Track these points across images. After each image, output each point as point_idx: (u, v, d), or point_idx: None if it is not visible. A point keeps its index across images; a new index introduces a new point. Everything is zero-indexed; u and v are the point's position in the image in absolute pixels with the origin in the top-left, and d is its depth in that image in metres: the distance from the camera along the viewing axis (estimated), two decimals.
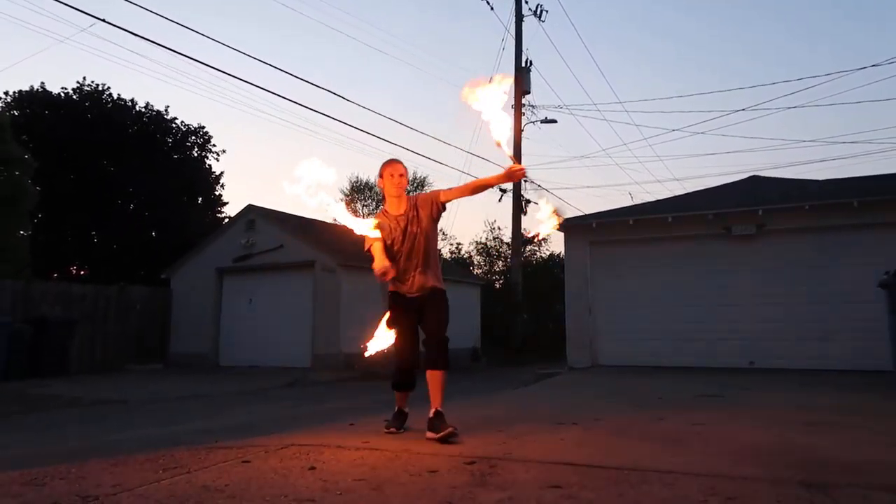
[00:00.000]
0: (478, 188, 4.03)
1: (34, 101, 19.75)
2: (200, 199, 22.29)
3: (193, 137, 22.32)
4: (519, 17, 18.95)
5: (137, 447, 4.10)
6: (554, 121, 19.44)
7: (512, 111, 18.22)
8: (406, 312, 3.87)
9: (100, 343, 14.00)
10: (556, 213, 3.85)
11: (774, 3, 55.63)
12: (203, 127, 22.55)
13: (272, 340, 14.16)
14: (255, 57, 29.89)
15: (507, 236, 19.78)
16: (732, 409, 5.21)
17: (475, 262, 26.38)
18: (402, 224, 3.89)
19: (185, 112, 35.83)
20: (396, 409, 4.06)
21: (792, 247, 10.10)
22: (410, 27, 57.82)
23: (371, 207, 33.74)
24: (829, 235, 9.87)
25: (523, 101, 18.65)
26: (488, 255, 26.17)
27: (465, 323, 18.13)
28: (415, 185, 33.36)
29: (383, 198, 4.04)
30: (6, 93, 20.04)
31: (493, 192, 19.71)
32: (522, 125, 18.55)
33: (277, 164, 54.10)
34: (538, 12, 19.15)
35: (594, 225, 11.21)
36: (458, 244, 30.26)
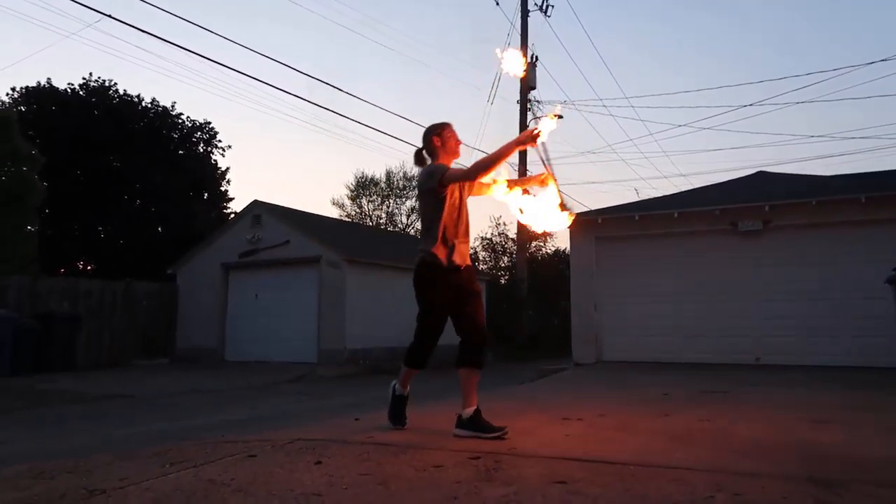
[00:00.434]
0: (493, 163, 3.98)
1: (41, 97, 19.81)
2: (206, 194, 22.33)
3: (199, 133, 22.35)
4: (525, 12, 18.89)
5: (144, 441, 4.12)
6: (560, 116, 19.30)
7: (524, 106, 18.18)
8: (448, 290, 3.67)
9: (106, 338, 14.05)
10: (563, 206, 3.82)
11: None
12: (209, 122, 22.61)
13: (278, 336, 14.19)
14: (261, 52, 29.92)
15: (512, 232, 19.76)
16: (738, 405, 5.20)
17: (480, 258, 26.37)
18: (456, 192, 3.70)
19: (191, 107, 35.97)
20: (398, 394, 3.86)
21: (799, 242, 10.06)
22: (415, 22, 57.73)
23: (377, 203, 33.80)
24: (836, 231, 9.82)
25: (529, 96, 18.60)
26: (493, 250, 26.14)
27: None
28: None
29: (432, 156, 3.79)
30: (13, 89, 20.15)
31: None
32: (528, 121, 18.51)
33: (283, 160, 54.16)
34: (544, 7, 19.09)
35: (600, 220, 11.18)
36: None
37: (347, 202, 33.97)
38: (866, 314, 9.11)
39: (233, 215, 20.75)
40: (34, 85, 20.02)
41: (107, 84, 20.66)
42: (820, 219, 9.81)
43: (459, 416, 3.56)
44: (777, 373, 8.61)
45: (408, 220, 33.52)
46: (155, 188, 19.75)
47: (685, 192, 13.41)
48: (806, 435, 3.61)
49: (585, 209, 12.42)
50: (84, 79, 20.60)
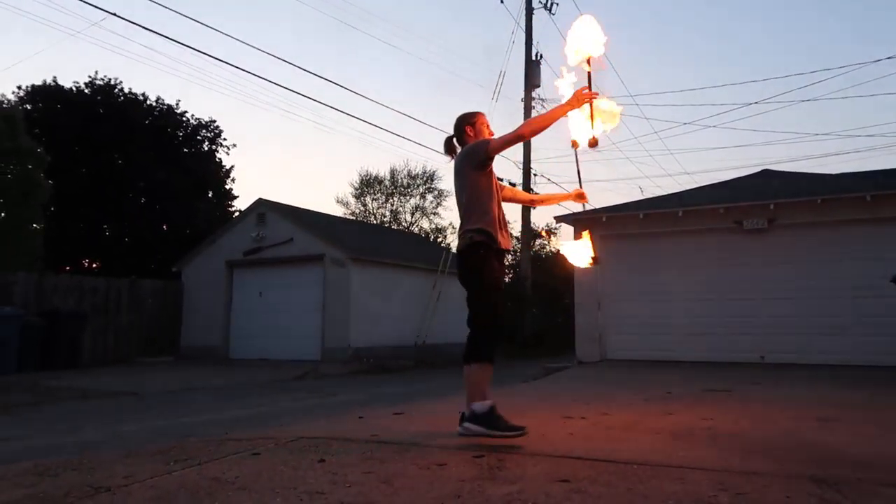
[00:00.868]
0: (537, 200, 4.03)
1: (46, 96, 19.85)
2: (211, 192, 22.37)
3: (204, 131, 22.39)
4: (529, 10, 18.86)
5: (149, 439, 4.14)
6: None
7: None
8: (502, 269, 3.58)
9: (111, 335, 14.10)
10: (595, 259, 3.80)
11: None
12: (214, 121, 22.63)
13: (282, 333, 14.23)
14: (265, 51, 29.97)
15: (516, 230, 19.74)
16: (742, 403, 5.19)
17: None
18: (495, 182, 3.66)
19: (196, 106, 36.00)
20: (487, 410, 3.25)
21: (804, 241, 10.03)
22: (419, 20, 57.71)
23: (381, 201, 33.80)
24: (841, 229, 9.79)
25: (533, 94, 18.57)
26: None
27: None
28: (425, 178, 33.39)
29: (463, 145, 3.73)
30: (19, 87, 20.18)
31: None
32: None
33: (288, 158, 54.22)
34: (548, 5, 19.05)
35: (604, 219, 11.17)
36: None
37: (352, 200, 34.00)
38: (872, 312, 9.08)
39: (237, 213, 20.78)
40: (40, 83, 20.07)
41: (112, 82, 20.71)
42: (825, 217, 9.78)
43: (462, 414, 3.47)
44: (782, 371, 8.59)
45: (412, 217, 33.53)
46: (160, 186, 19.79)
47: (690, 190, 13.37)
48: (810, 434, 3.61)
49: (590, 207, 12.40)
50: (90, 77, 20.65)
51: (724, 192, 11.62)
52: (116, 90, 20.68)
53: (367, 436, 3.46)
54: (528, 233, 18.99)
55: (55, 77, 20.50)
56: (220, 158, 22.78)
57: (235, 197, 23.27)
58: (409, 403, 5.72)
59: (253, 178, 46.79)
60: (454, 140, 3.80)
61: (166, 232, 20.34)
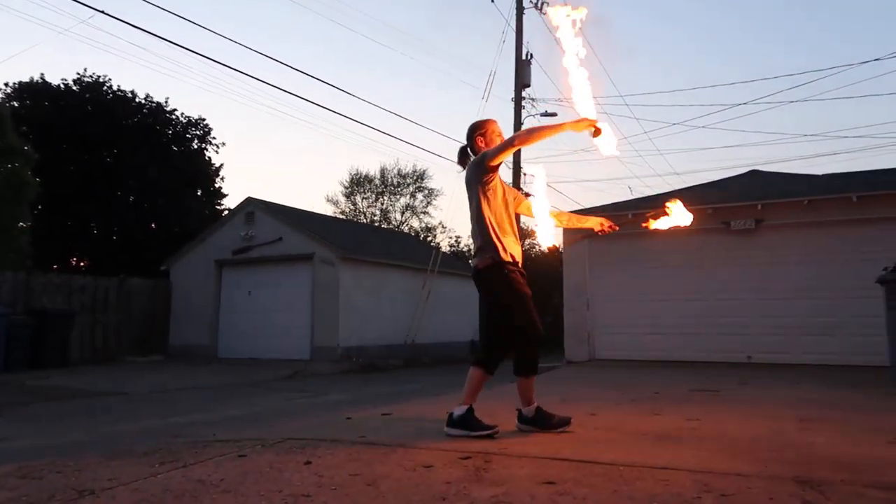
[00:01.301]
0: (563, 219, 4.02)
1: (34, 93, 19.69)
2: (200, 191, 22.27)
3: (193, 129, 22.28)
4: (520, 10, 18.85)
5: (136, 440, 4.12)
6: (554, 114, 19.35)
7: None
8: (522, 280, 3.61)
9: (100, 334, 14.02)
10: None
11: None
12: (203, 119, 22.53)
13: (271, 333, 14.20)
14: (254, 49, 29.85)
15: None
16: (728, 404, 5.22)
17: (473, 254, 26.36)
18: (501, 192, 3.65)
19: (185, 104, 35.80)
20: (536, 406, 3.62)
21: (791, 241, 10.10)
22: (409, 19, 57.65)
23: (371, 200, 33.75)
24: (828, 230, 9.86)
25: (523, 94, 18.59)
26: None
27: (463, 315, 18.18)
28: (415, 177, 33.38)
29: (475, 156, 3.72)
30: (6, 84, 19.99)
31: None
32: (522, 118, 18.50)
33: (278, 157, 54.04)
34: (539, 4, 19.05)
35: None
36: (458, 237, 30.39)
37: (342, 199, 33.97)
38: (858, 313, 9.15)
39: (226, 212, 20.70)
40: (27, 80, 19.90)
41: (100, 80, 20.57)
42: (812, 218, 9.85)
43: (519, 412, 3.68)
44: (769, 371, 8.65)
45: (402, 216, 33.53)
46: (149, 184, 19.68)
47: (678, 190, 13.42)
48: (795, 435, 3.63)
49: (579, 207, 12.44)
50: (78, 74, 20.51)
51: (712, 193, 11.68)
52: (105, 87, 20.54)
53: (355, 437, 3.46)
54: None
55: (42, 74, 20.39)
56: (209, 157, 22.71)
57: (225, 195, 23.20)
58: (398, 404, 5.73)
59: (242, 176, 46.69)
60: (468, 149, 3.79)
61: (155, 230, 20.24)
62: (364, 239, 17.73)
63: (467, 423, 3.47)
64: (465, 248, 27.36)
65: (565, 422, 3.64)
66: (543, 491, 2.32)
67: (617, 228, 3.95)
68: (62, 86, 20.05)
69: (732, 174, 13.94)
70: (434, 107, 55.43)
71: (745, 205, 10.24)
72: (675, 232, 11.12)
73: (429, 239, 30.79)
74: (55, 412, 6.96)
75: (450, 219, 44.96)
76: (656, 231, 11.45)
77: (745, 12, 55.80)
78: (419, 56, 54.88)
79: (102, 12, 8.99)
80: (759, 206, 10.08)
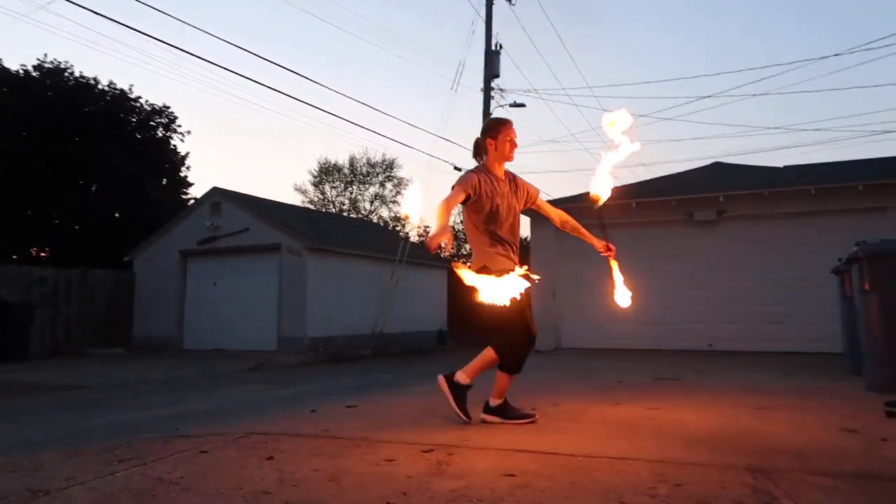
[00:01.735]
0: (568, 226, 4.15)
1: None
2: (165, 180, 21.88)
3: (158, 117, 21.85)
4: (490, 1, 18.83)
5: (96, 436, 4.06)
6: (523, 105, 19.41)
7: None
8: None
9: (61, 327, 13.75)
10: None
11: None
12: (168, 107, 22.10)
13: (237, 324, 14.07)
14: (219, 37, 29.34)
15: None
16: (688, 392, 5.33)
17: (442, 244, 26.35)
18: (504, 189, 3.67)
19: (149, 92, 34.96)
20: (504, 400, 3.74)
21: (752, 232, 10.33)
22: (378, 8, 57.11)
23: (340, 189, 33.53)
24: (787, 221, 10.11)
25: (493, 84, 18.60)
26: (456, 237, 26.22)
27: (431, 305, 18.22)
28: (385, 166, 33.23)
29: (484, 154, 3.75)
30: None
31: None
32: (491, 109, 18.52)
33: (245, 146, 53.31)
34: None
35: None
36: (427, 227, 30.34)
37: (310, 188, 33.69)
38: (815, 302, 9.40)
39: (192, 201, 20.38)
40: None
41: (62, 66, 20.02)
42: (772, 209, 10.08)
43: (486, 403, 3.76)
44: (728, 359, 8.85)
45: (371, 206, 33.39)
46: (112, 173, 19.26)
47: (644, 182, 13.61)
48: (750, 423, 3.73)
49: (547, 198, 12.52)
50: (38, 60, 19.94)
51: (676, 184, 11.87)
52: (67, 74, 20.00)
53: (319, 430, 3.46)
54: None
55: (0, 59, 19.71)
56: (174, 145, 22.33)
57: (191, 184, 22.86)
58: (364, 395, 5.74)
59: (209, 165, 45.95)
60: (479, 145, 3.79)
61: (118, 220, 19.85)
62: (332, 229, 17.63)
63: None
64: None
65: (528, 416, 3.72)
66: (503, 484, 2.36)
67: (613, 253, 4.09)
68: (21, 71, 19.47)
69: (697, 166, 14.16)
70: (403, 97, 55.16)
71: (708, 196, 10.44)
72: (640, 223, 11.33)
73: (397, 229, 30.73)
74: (14, 407, 6.80)
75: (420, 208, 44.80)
76: (621, 222, 11.60)
77: (710, 9, 56.50)
78: (388, 46, 54.51)
79: None
80: (721, 198, 10.28)
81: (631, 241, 11.01)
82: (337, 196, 33.50)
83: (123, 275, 15.58)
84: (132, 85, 21.83)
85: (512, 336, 3.63)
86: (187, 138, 29.51)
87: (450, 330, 18.70)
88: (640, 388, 5.63)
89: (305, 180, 42.85)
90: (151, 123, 21.73)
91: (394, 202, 33.46)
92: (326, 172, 33.45)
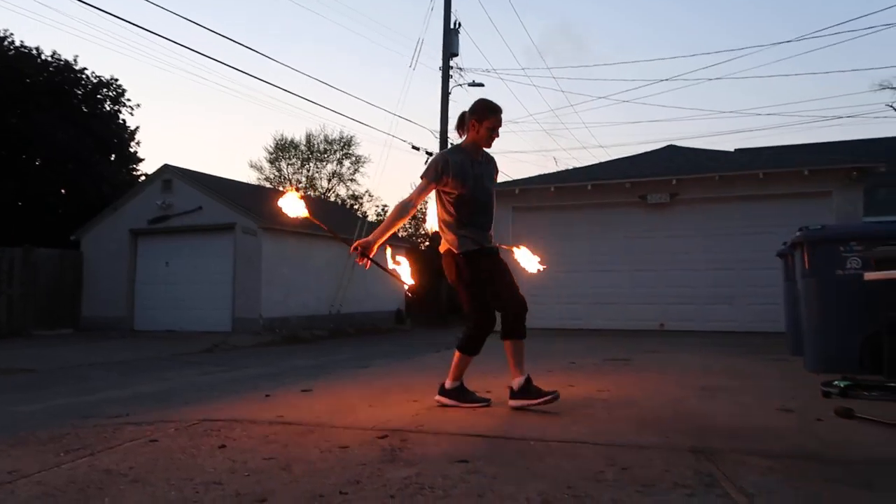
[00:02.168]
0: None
1: None
2: (114, 155, 21.21)
3: (106, 90, 21.10)
4: None
5: (41, 423, 3.97)
6: (481, 84, 19.44)
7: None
8: (501, 263, 3.78)
9: (4, 307, 13.31)
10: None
11: None
12: (116, 79, 21.35)
13: (190, 304, 13.83)
14: (169, 10, 28.36)
15: (433, 198, 19.78)
16: (639, 373, 5.47)
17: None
18: (477, 171, 3.66)
19: (96, 63, 33.67)
20: (461, 384, 3.80)
21: (702, 215, 10.58)
22: None
23: (296, 166, 33.04)
24: (736, 205, 10.37)
25: (451, 63, 18.51)
26: (414, 217, 26.16)
27: (389, 285, 18.20)
28: (342, 143, 32.83)
29: (465, 131, 3.75)
30: None
31: (419, 155, 19.65)
32: (450, 88, 18.45)
33: (198, 123, 51.99)
34: None
35: (517, 191, 11.38)
36: (385, 207, 30.22)
37: (266, 165, 33.11)
38: (762, 283, 9.72)
39: (143, 177, 19.83)
40: None
41: (0, 34, 19.13)
42: (722, 193, 10.33)
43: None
44: (679, 338, 9.09)
45: (328, 184, 33.02)
46: (57, 147, 18.56)
47: (600, 164, 13.78)
48: (695, 403, 3.86)
49: (506, 178, 12.59)
50: None
51: (631, 167, 12.05)
52: (6, 42, 19.12)
53: (272, 416, 3.44)
54: None
55: None
56: (123, 119, 21.62)
57: (141, 160, 22.23)
58: (318, 379, 5.73)
59: (162, 142, 44.70)
60: (464, 118, 3.76)
61: (65, 197, 19.19)
62: None
63: (527, 392, 3.60)
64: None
65: (484, 401, 3.76)
66: (456, 470, 2.39)
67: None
68: None
69: (653, 148, 14.40)
70: (361, 75, 54.43)
71: (661, 179, 10.63)
72: (595, 204, 11.46)
73: (356, 208, 30.49)
74: None
75: (376, 187, 44.56)
76: (576, 204, 11.75)
77: None
78: (346, 22, 53.60)
79: None
80: (674, 181, 10.48)
81: (586, 222, 11.19)
82: (293, 173, 33.02)
83: (71, 254, 15.12)
84: (77, 56, 20.94)
85: (471, 317, 3.72)
86: (138, 113, 28.50)
87: (408, 309, 18.73)
88: (593, 370, 5.75)
89: (261, 157, 42.11)
90: (98, 96, 20.99)
91: (352, 180, 33.17)
92: (283, 149, 32.90)
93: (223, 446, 2.77)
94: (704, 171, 10.65)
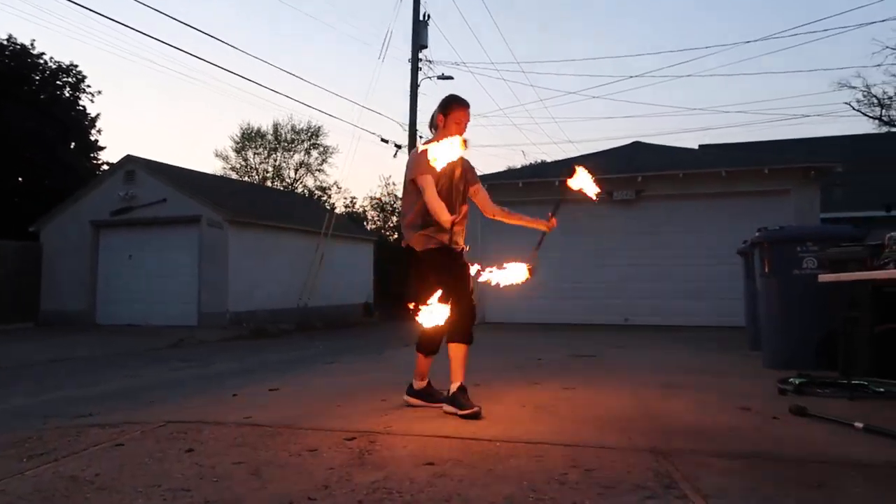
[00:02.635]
0: (499, 216, 4.30)
1: None
2: (74, 143, 20.71)
3: (65, 76, 20.59)
4: None
5: (3, 424, 3.90)
6: (451, 77, 19.38)
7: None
8: (463, 267, 3.79)
9: None
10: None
11: None
12: (76, 65, 20.84)
13: (155, 298, 13.62)
14: None
15: (400, 191, 19.74)
16: (603, 370, 5.58)
17: (369, 218, 26.23)
18: (447, 169, 3.57)
19: (54, 49, 32.66)
20: (427, 382, 3.82)
21: (667, 212, 10.77)
22: None
23: (263, 156, 32.65)
24: (700, 201, 10.58)
25: (421, 55, 18.44)
26: (382, 210, 26.11)
27: (357, 278, 18.15)
28: (310, 133, 32.54)
29: (435, 128, 3.77)
30: None
31: (388, 148, 19.55)
32: (419, 80, 18.39)
33: (162, 113, 50.97)
34: None
35: (485, 186, 11.41)
36: (353, 199, 30.05)
37: (232, 154, 32.67)
38: (724, 279, 9.94)
39: (105, 167, 19.43)
40: None
41: None
42: (687, 190, 10.53)
43: (410, 385, 3.81)
44: (644, 333, 9.27)
45: (296, 174, 32.72)
46: (13, 135, 18.07)
47: (567, 160, 13.90)
48: (657, 403, 3.95)
49: (479, 173, 12.65)
50: None
51: (597, 163, 12.17)
52: None
53: (240, 418, 3.44)
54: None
55: None
56: (83, 106, 21.11)
57: (102, 148, 21.75)
58: (286, 375, 5.72)
59: (124, 132, 43.70)
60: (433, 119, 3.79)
61: (22, 186, 18.71)
62: (255, 200, 17.21)
63: (455, 401, 3.53)
64: (360, 210, 27.15)
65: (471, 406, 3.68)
66: (423, 473, 2.42)
67: (555, 225, 4.21)
68: None
69: (620, 144, 14.59)
70: (329, 66, 53.89)
71: (627, 176, 10.78)
72: (562, 201, 11.55)
73: (323, 200, 30.28)
74: None
75: (343, 180, 44.29)
76: (542, 200, 11.88)
77: None
78: (315, 13, 52.95)
79: None
80: (640, 178, 10.65)
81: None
82: (260, 163, 32.65)
83: (29, 246, 14.76)
84: (34, 40, 20.30)
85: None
86: (98, 101, 27.89)
87: (376, 302, 18.71)
88: (558, 367, 5.84)
89: (227, 146, 41.50)
90: (57, 82, 20.48)
91: (319, 170, 32.93)
92: (249, 138, 32.49)
93: (191, 450, 2.76)
94: (669, 169, 10.83)
